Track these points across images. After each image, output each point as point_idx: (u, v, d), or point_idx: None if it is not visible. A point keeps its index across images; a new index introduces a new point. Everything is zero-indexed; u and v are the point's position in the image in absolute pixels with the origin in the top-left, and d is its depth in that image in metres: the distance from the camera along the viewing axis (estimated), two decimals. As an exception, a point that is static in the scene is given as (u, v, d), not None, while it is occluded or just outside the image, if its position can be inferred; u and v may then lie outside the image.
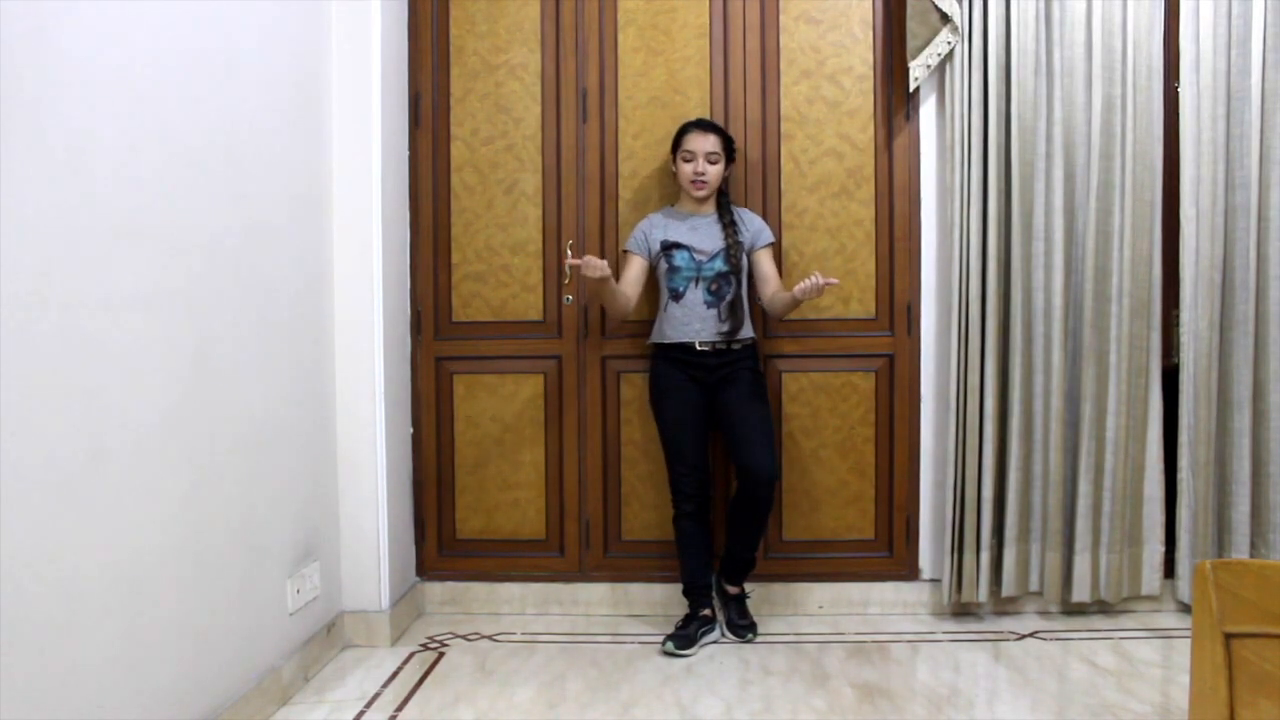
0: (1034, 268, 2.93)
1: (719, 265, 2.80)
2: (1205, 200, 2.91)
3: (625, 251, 2.90)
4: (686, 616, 2.87)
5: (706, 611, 2.87)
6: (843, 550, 3.09)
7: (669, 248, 2.82)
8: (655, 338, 2.89)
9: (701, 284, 2.80)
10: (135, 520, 1.86)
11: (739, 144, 3.03)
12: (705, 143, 2.79)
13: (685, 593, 2.91)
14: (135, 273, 1.86)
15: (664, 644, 2.77)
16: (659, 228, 2.87)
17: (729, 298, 2.80)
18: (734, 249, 2.81)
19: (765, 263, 2.87)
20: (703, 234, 2.83)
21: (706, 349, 2.80)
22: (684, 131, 2.83)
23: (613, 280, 2.69)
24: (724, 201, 2.89)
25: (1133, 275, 2.91)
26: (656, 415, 2.91)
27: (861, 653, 2.76)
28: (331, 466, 2.79)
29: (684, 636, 2.78)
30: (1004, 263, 2.94)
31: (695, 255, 2.80)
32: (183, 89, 2.02)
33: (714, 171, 2.81)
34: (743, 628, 2.87)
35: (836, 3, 3.04)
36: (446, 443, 3.13)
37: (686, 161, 2.81)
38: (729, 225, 2.84)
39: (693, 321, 2.80)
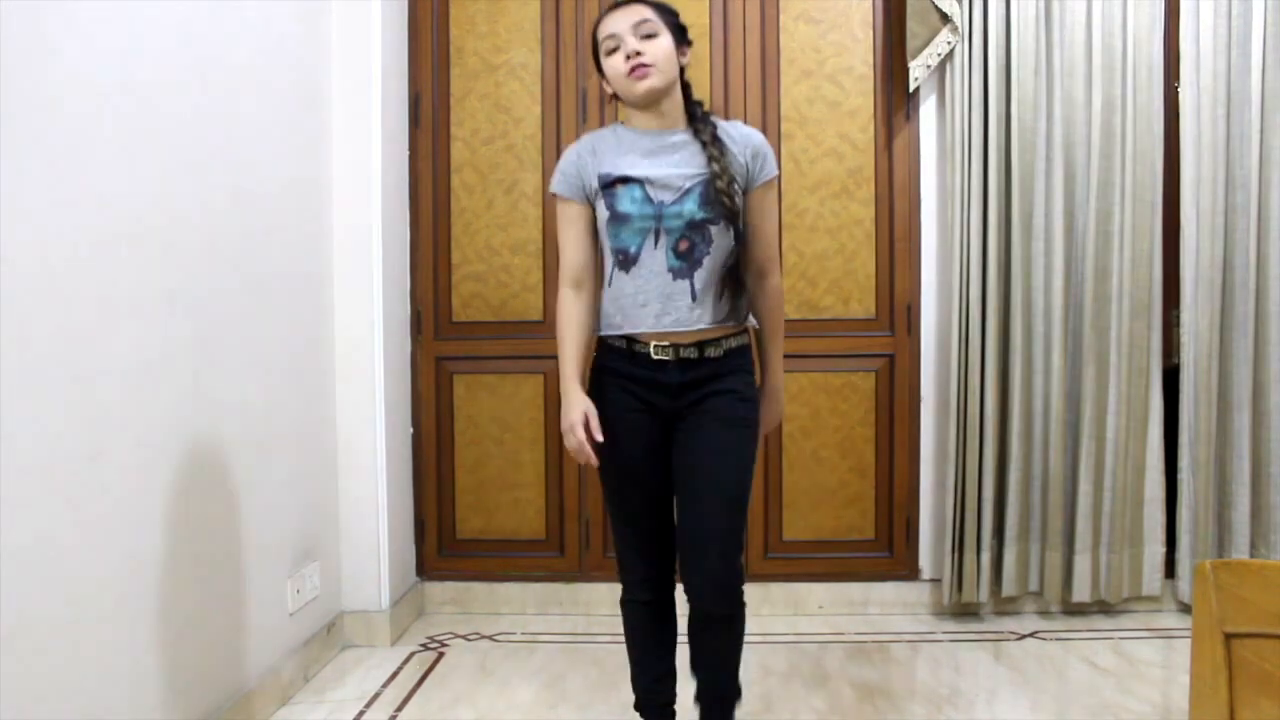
0: (1034, 268, 2.93)
1: (690, 208, 1.79)
2: (1205, 200, 2.90)
3: (554, 196, 1.90)
4: None
5: None
6: (843, 550, 3.09)
7: (612, 184, 1.82)
8: (601, 328, 1.91)
9: (664, 239, 1.79)
10: (135, 520, 1.86)
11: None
12: (624, 17, 1.81)
13: (638, 708, 2.01)
14: (135, 272, 1.86)
15: None
16: (590, 156, 1.86)
17: (709, 266, 1.81)
18: (722, 180, 1.78)
19: (760, 215, 1.89)
20: (666, 159, 1.82)
21: (665, 356, 1.82)
22: (597, 22, 1.87)
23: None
24: (696, 110, 1.89)
25: (1133, 275, 2.91)
26: (598, 457, 1.84)
27: (861, 653, 2.76)
28: (331, 466, 2.79)
29: None
30: (1004, 263, 2.93)
31: (653, 193, 1.79)
32: (182, 89, 2.02)
33: (657, 49, 1.79)
34: None
35: (836, 3, 3.04)
36: (446, 443, 3.13)
37: (612, 54, 1.81)
38: (711, 142, 1.82)
39: (651, 302, 1.81)
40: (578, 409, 1.81)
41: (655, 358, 1.83)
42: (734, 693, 1.96)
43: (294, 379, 2.55)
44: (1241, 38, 2.87)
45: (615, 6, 1.86)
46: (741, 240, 1.86)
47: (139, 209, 1.87)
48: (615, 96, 1.88)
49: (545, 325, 3.10)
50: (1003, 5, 2.87)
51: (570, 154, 1.90)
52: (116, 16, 1.80)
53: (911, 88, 2.94)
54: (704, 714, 1.96)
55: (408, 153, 3.08)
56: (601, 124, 3.04)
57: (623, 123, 1.94)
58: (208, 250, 2.12)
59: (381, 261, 2.85)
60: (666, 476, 1.90)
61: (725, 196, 1.79)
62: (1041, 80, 2.90)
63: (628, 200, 1.81)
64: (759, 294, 1.95)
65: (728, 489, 1.83)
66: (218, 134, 2.16)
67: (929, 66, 2.90)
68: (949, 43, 2.88)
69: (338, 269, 2.81)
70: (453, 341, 3.12)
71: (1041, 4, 2.89)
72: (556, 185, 1.89)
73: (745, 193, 1.87)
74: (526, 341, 3.10)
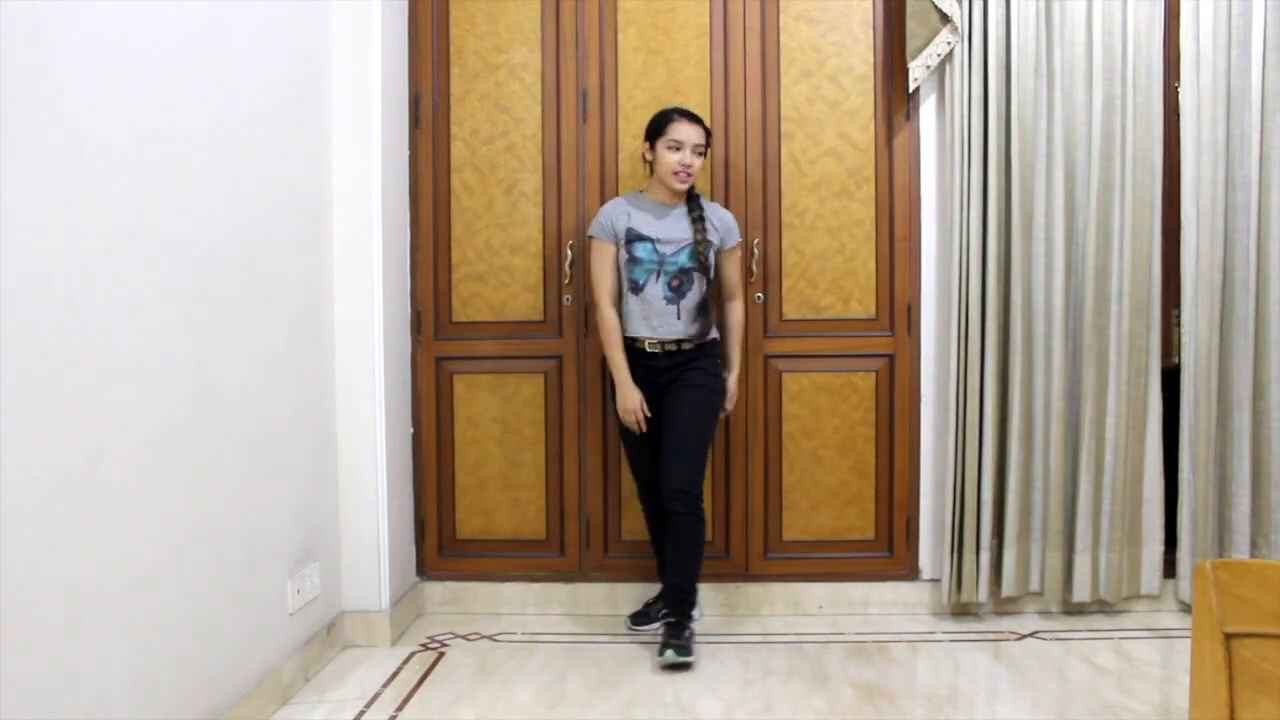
0: (1034, 268, 2.93)
1: (683, 260, 2.70)
2: (1205, 200, 2.90)
3: (591, 238, 2.79)
4: (672, 621, 2.72)
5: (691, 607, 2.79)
6: (843, 550, 3.09)
7: (632, 239, 2.71)
8: None
9: (663, 278, 2.69)
10: (135, 520, 1.86)
11: (739, 144, 3.03)
12: (694, 134, 2.68)
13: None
14: (135, 273, 1.86)
15: (662, 653, 2.62)
16: (624, 215, 2.75)
17: (691, 298, 2.71)
18: (701, 246, 2.70)
19: (729, 267, 2.82)
20: (669, 225, 2.72)
21: (656, 350, 2.71)
22: (669, 120, 2.70)
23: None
24: (693, 194, 2.77)
25: (1133, 275, 2.91)
26: (616, 414, 2.82)
27: (861, 653, 2.76)
28: (331, 466, 2.79)
29: (681, 645, 2.64)
30: (1004, 263, 2.94)
31: (659, 247, 2.70)
32: (183, 89, 2.02)
33: (699, 164, 2.71)
34: (667, 645, 2.63)
35: (836, 3, 3.04)
36: (446, 443, 3.13)
37: (672, 150, 2.67)
38: (697, 220, 2.72)
39: (650, 316, 2.71)
40: (635, 398, 2.71)
41: (649, 350, 2.73)
42: (686, 592, 2.72)
43: (294, 378, 2.55)
44: (1241, 38, 2.87)
45: (686, 117, 2.70)
46: (712, 284, 2.78)
47: (139, 209, 1.87)
48: (649, 163, 2.76)
49: (545, 325, 3.10)
50: (1003, 5, 2.88)
51: (607, 209, 2.78)
52: (116, 16, 1.80)
53: (911, 88, 2.94)
54: (665, 604, 2.74)
55: (408, 153, 3.08)
56: (602, 124, 3.05)
57: (642, 192, 2.80)
58: (208, 250, 2.12)
59: (381, 261, 2.85)
60: (657, 426, 2.73)
61: (703, 256, 2.71)
62: (1041, 80, 2.90)
63: (642, 250, 2.71)
64: (728, 313, 2.88)
65: (695, 427, 2.70)
66: (218, 134, 2.16)
67: (929, 66, 2.90)
68: (949, 43, 2.88)
69: (338, 269, 2.81)
70: (453, 341, 3.12)
71: (1041, 4, 2.89)
72: (595, 231, 2.77)
73: (718, 253, 2.78)
74: (526, 341, 3.11)
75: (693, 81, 3.05)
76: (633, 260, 2.71)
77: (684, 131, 2.68)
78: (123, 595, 1.82)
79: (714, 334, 2.79)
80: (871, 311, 3.07)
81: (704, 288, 2.74)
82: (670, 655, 2.60)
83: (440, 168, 3.10)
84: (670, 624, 2.70)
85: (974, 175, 2.89)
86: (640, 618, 2.92)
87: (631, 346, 2.73)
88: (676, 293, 2.70)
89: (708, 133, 2.75)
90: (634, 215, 2.73)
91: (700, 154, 2.70)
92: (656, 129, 2.72)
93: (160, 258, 1.94)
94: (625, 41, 3.06)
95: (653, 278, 2.69)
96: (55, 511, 1.64)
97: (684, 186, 2.70)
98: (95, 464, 1.74)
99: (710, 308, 2.77)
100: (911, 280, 3.05)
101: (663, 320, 2.70)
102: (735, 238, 2.81)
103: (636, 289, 2.71)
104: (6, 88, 1.53)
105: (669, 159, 2.68)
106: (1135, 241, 2.91)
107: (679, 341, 2.71)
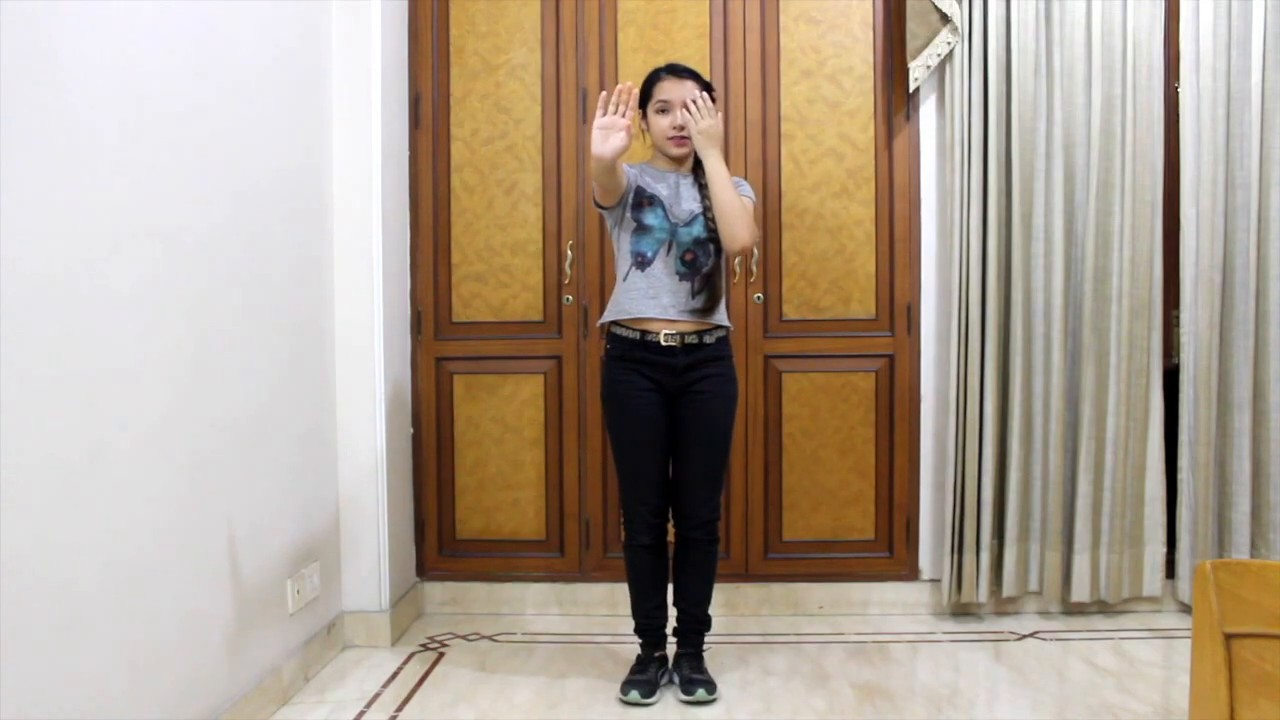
0: (1034, 268, 2.93)
1: (696, 231, 2.38)
2: (1205, 200, 2.91)
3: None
4: (640, 659, 2.52)
5: (661, 654, 2.54)
6: (843, 550, 3.09)
7: (642, 202, 2.39)
8: (611, 314, 2.44)
9: (675, 250, 2.37)
10: (135, 520, 1.86)
11: (739, 144, 3.03)
12: (682, 89, 2.36)
13: (638, 632, 2.54)
14: (135, 272, 1.86)
15: (624, 692, 2.42)
16: (635, 173, 2.44)
17: (705, 270, 2.40)
18: (711, 213, 2.38)
19: None
20: (682, 194, 2.41)
21: (674, 343, 2.37)
22: (654, 80, 2.41)
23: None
24: (698, 164, 2.43)
25: (1133, 275, 2.91)
26: (609, 427, 2.50)
27: (861, 653, 2.76)
28: (331, 466, 2.79)
29: (644, 682, 2.44)
30: (1004, 263, 2.94)
31: (670, 216, 2.38)
32: (182, 89, 2.02)
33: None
34: (696, 683, 2.42)
35: (836, 3, 3.04)
36: (446, 443, 3.13)
37: (661, 114, 2.38)
38: (704, 188, 2.40)
39: (661, 294, 2.37)
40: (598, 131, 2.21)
41: (665, 344, 2.37)
42: (706, 621, 2.54)
43: (294, 379, 2.55)
44: (1241, 38, 2.87)
45: (673, 72, 2.41)
46: (721, 253, 2.44)
47: (139, 210, 1.87)
48: (645, 132, 2.45)
49: (545, 325, 3.10)
50: (1003, 5, 2.88)
51: (628, 165, 2.42)
52: (116, 17, 1.80)
53: (911, 88, 2.94)
54: (681, 639, 2.53)
55: (408, 153, 3.08)
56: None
57: (649, 163, 2.49)
58: (208, 251, 2.12)
59: (381, 261, 2.85)
60: (666, 440, 2.44)
61: (713, 225, 2.38)
62: (1041, 80, 2.90)
63: (652, 216, 2.39)
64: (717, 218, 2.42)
65: (717, 446, 2.44)
66: (218, 135, 2.16)
67: (929, 67, 2.90)
68: (949, 43, 2.88)
69: (338, 269, 2.81)
70: (453, 341, 3.12)
71: (1041, 4, 2.89)
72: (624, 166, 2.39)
73: None
74: (526, 341, 3.11)
75: (693, 81, 3.05)
76: (641, 229, 2.39)
77: (670, 90, 2.37)
78: (122, 595, 1.82)
79: (727, 320, 2.47)
80: (871, 312, 3.07)
81: (716, 258, 2.43)
82: (702, 694, 2.40)
83: (440, 168, 3.10)
84: (687, 655, 2.51)
85: (974, 175, 2.89)
86: (647, 688, 2.44)
87: (642, 341, 2.38)
88: (690, 267, 2.38)
89: (706, 86, 2.42)
90: (643, 177, 2.43)
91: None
92: (644, 94, 2.43)
93: (159, 257, 1.94)
94: (625, 41, 3.06)
95: (663, 250, 2.37)
96: (55, 511, 1.64)
97: (682, 151, 2.39)
98: (95, 463, 1.74)
99: (723, 276, 2.49)
100: (911, 280, 3.05)
101: (675, 298, 2.37)
102: (744, 193, 2.44)
103: (643, 263, 2.38)
104: (7, 88, 1.53)
105: (659, 124, 2.39)
106: (1135, 241, 2.91)
107: (700, 332, 2.39)
